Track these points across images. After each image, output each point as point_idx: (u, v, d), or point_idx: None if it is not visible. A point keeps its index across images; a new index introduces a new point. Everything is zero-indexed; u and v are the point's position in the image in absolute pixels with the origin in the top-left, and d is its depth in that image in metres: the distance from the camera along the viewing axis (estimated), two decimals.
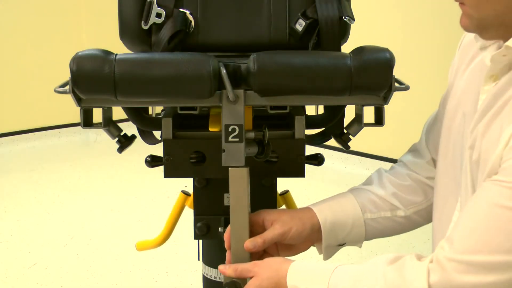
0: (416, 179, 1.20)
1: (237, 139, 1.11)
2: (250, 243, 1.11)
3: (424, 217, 1.20)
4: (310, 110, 1.33)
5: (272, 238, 1.12)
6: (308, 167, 1.29)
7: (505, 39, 0.92)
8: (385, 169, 1.25)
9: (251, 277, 1.09)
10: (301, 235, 1.14)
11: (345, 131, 1.31)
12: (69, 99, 1.12)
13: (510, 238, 0.83)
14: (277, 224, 1.13)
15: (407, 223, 1.20)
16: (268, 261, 1.09)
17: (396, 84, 1.12)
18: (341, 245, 1.19)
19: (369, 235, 1.19)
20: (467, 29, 0.97)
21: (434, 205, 1.14)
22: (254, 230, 1.15)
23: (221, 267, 1.12)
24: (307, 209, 1.16)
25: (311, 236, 1.15)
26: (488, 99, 0.94)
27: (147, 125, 1.34)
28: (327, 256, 1.19)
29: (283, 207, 1.53)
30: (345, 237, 1.18)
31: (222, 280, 1.38)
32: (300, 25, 1.24)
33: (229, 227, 1.13)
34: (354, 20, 1.24)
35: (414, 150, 1.24)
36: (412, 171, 1.21)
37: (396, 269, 0.91)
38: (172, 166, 1.25)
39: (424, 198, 1.19)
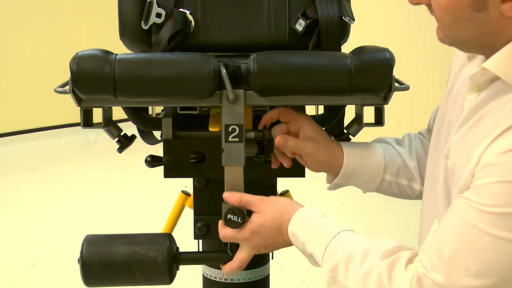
0: None
1: (237, 139, 1.11)
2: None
3: None
4: (310, 110, 1.33)
5: (300, 150, 1.15)
6: None
7: (486, 55, 0.92)
8: (415, 134, 1.26)
9: (253, 212, 1.09)
10: (320, 165, 1.17)
11: (345, 131, 1.31)
12: (69, 99, 1.12)
13: (479, 260, 0.83)
14: (311, 143, 1.15)
15: (415, 194, 1.22)
16: (275, 200, 1.10)
17: (396, 84, 1.12)
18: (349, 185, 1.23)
19: (379, 191, 1.23)
20: (442, 42, 0.96)
21: (422, 205, 1.14)
22: (290, 126, 1.18)
23: (225, 194, 1.13)
24: (339, 147, 1.18)
25: (326, 169, 1.19)
26: (468, 110, 0.94)
27: (147, 125, 1.34)
28: (332, 188, 1.22)
29: None
30: (357, 185, 1.21)
31: (222, 280, 1.38)
32: (300, 25, 1.24)
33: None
34: (354, 20, 1.24)
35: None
36: None
37: (387, 267, 0.91)
38: (172, 166, 1.25)
39: None
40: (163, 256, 1.11)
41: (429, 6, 0.93)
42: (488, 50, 0.90)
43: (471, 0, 0.86)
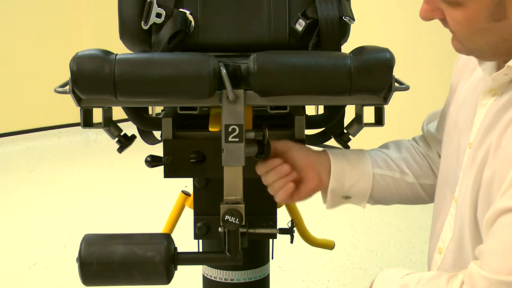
0: (427, 163, 1.22)
1: (237, 139, 1.11)
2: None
3: (429, 193, 1.21)
4: (310, 110, 1.33)
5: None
6: None
7: (503, 60, 0.91)
8: (406, 140, 1.26)
9: None
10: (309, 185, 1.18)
11: (345, 131, 1.31)
12: (69, 99, 1.12)
13: None
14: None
15: (411, 193, 1.21)
16: None
17: (396, 84, 1.12)
18: (347, 198, 1.20)
19: (375, 192, 1.20)
20: (460, 52, 0.96)
21: (433, 210, 1.14)
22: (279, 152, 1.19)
23: None
24: (324, 153, 1.19)
25: (318, 184, 1.18)
26: (492, 114, 0.93)
27: (147, 125, 1.34)
28: (331, 205, 1.21)
29: (283, 207, 1.53)
30: (352, 187, 1.18)
31: (222, 280, 1.38)
32: (300, 25, 1.24)
33: None
34: (354, 20, 1.24)
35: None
36: (428, 156, 1.23)
37: (447, 279, 0.91)
38: (172, 166, 1.25)
39: (434, 177, 1.20)
40: (161, 256, 1.12)
41: (443, 20, 0.92)
42: (508, 56, 0.90)
43: (490, 12, 0.85)
